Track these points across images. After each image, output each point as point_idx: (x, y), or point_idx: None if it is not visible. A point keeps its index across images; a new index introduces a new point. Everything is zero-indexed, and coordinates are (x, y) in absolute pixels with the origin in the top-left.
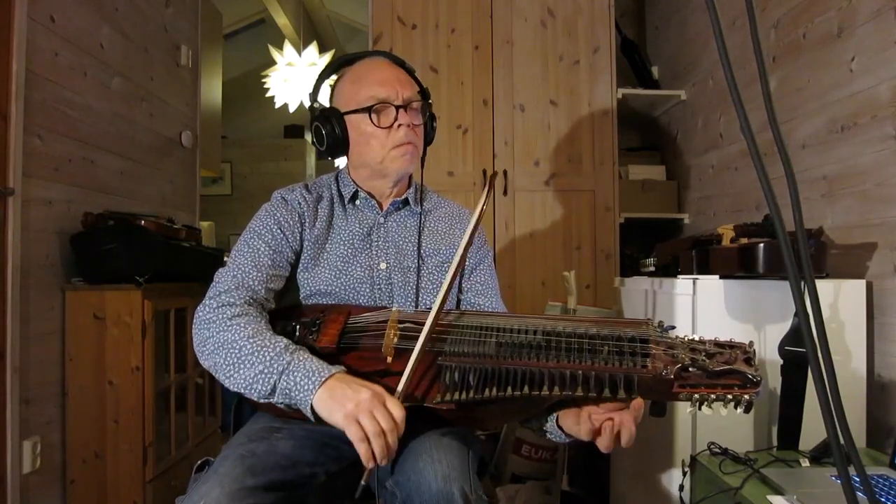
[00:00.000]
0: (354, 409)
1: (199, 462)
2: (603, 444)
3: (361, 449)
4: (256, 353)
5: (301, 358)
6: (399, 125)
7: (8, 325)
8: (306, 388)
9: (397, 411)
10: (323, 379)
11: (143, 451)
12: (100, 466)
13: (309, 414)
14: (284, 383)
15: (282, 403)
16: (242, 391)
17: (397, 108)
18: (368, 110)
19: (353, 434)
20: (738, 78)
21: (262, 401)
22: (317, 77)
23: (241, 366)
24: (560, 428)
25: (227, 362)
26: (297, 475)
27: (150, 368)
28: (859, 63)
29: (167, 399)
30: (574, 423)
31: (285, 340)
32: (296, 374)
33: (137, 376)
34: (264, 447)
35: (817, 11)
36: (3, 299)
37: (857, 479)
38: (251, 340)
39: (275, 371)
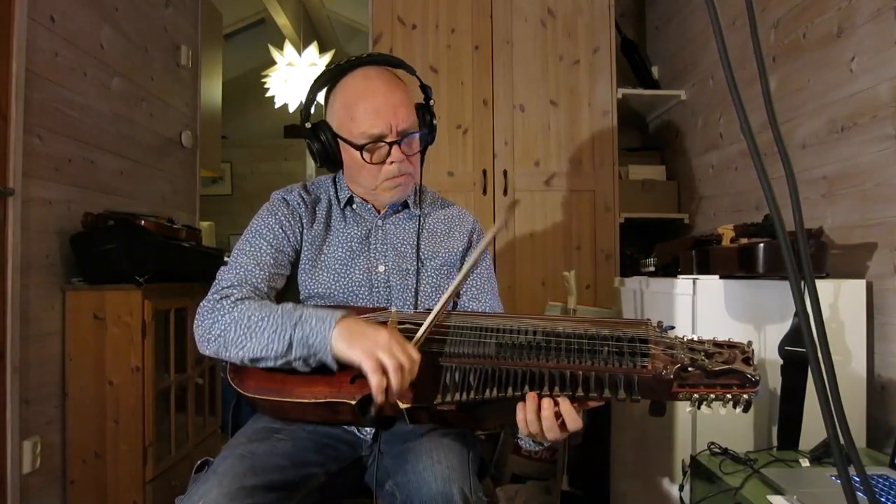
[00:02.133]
0: (373, 346)
1: (198, 462)
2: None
3: (374, 379)
4: (266, 319)
5: (311, 309)
6: (392, 162)
7: (8, 325)
8: (322, 329)
9: (415, 354)
10: (337, 318)
11: (143, 452)
12: (100, 466)
13: (329, 359)
14: (300, 333)
15: (300, 359)
16: (258, 356)
17: (391, 144)
18: (361, 148)
19: (369, 366)
20: (738, 78)
21: (279, 362)
22: (308, 90)
23: (253, 333)
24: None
25: (237, 335)
26: (297, 475)
27: (150, 368)
28: (859, 63)
29: (167, 399)
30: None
31: (291, 303)
32: (309, 321)
33: (137, 376)
34: (264, 447)
35: (817, 11)
36: (3, 299)
37: (857, 479)
38: (259, 310)
39: (288, 325)
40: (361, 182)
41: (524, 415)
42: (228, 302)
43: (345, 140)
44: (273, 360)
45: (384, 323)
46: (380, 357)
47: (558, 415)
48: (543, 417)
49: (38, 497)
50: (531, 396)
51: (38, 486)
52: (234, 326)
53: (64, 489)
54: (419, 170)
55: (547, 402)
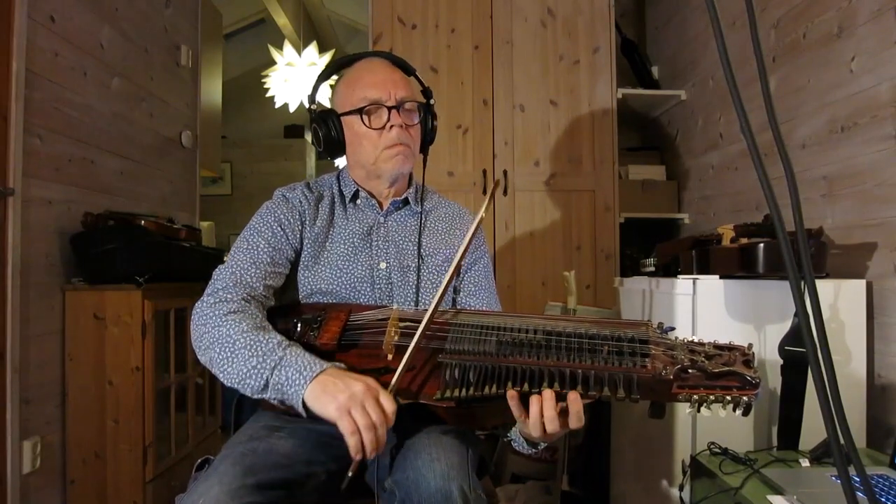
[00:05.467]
0: (346, 402)
1: (199, 460)
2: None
3: (351, 441)
4: (250, 348)
5: (294, 353)
6: (391, 126)
7: (8, 325)
8: (297, 382)
9: (389, 405)
10: (314, 374)
11: (143, 451)
12: (100, 466)
13: (301, 410)
14: (276, 378)
15: (275, 399)
16: (236, 386)
17: (389, 108)
18: (360, 111)
19: (344, 427)
20: (738, 78)
21: (255, 396)
22: (316, 78)
23: (235, 360)
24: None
25: (221, 357)
26: (297, 474)
27: (150, 368)
28: (859, 63)
29: (167, 399)
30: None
31: (279, 336)
32: (288, 369)
33: (137, 376)
34: (265, 446)
35: (817, 11)
36: (3, 299)
37: (857, 479)
38: (245, 335)
39: (267, 366)
40: (362, 158)
41: (526, 417)
42: (220, 312)
43: (347, 113)
44: (251, 393)
45: (385, 321)
46: (353, 415)
47: (563, 412)
48: (547, 419)
49: (38, 497)
50: (534, 399)
51: (38, 486)
52: (220, 347)
53: (64, 489)
54: (418, 147)
55: (549, 402)
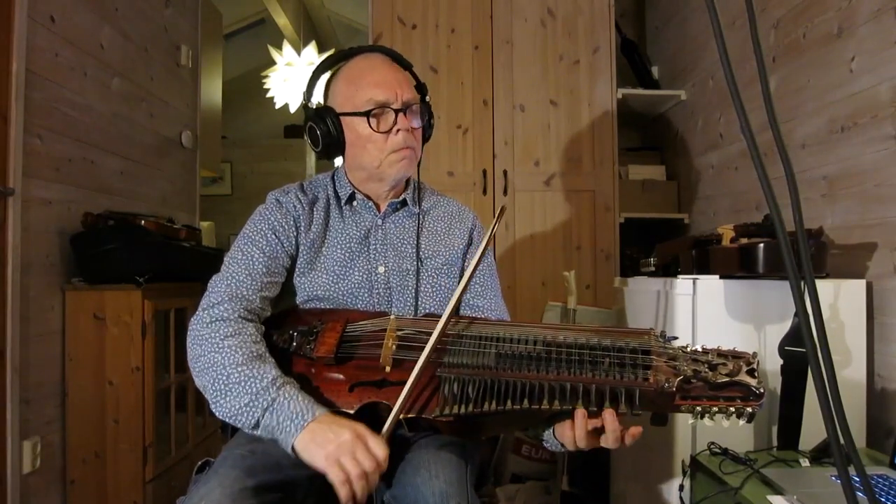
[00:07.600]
0: (335, 451)
1: (199, 463)
2: (608, 442)
3: (342, 492)
4: (243, 384)
5: (287, 395)
6: (398, 130)
7: (8, 325)
8: (288, 429)
9: (380, 451)
10: (305, 422)
11: (143, 451)
12: (100, 466)
13: (291, 455)
14: (267, 421)
15: (265, 439)
16: (228, 420)
17: (396, 112)
18: (367, 114)
19: (334, 476)
20: (738, 78)
21: (247, 431)
22: (311, 73)
23: (228, 394)
24: (556, 438)
25: (214, 388)
26: (297, 476)
27: (150, 368)
28: (859, 63)
29: (167, 399)
30: (568, 430)
31: (273, 372)
32: (279, 413)
33: (137, 376)
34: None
35: (817, 11)
36: (3, 299)
37: (857, 479)
38: (239, 368)
39: (259, 406)
40: (365, 161)
41: (573, 433)
42: (218, 334)
43: (349, 114)
44: (241, 427)
45: (382, 332)
46: (343, 464)
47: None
48: (609, 430)
49: (38, 497)
50: (580, 413)
51: (38, 486)
52: (214, 376)
53: (64, 489)
54: (421, 148)
55: (609, 415)
